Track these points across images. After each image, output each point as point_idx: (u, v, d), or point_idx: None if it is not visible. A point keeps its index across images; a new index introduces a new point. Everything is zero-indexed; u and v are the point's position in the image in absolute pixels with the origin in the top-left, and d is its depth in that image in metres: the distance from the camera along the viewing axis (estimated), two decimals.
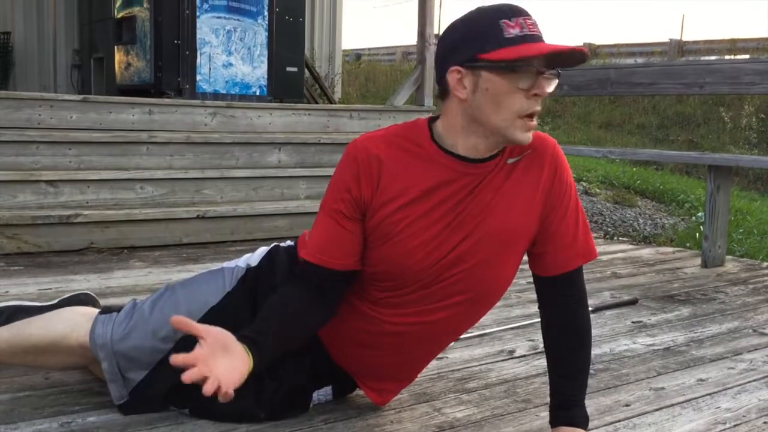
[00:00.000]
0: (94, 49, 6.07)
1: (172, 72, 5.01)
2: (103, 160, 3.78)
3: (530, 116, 1.35)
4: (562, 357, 1.51)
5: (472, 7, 1.38)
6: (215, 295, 1.57)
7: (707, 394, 1.86)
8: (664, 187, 6.47)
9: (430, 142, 1.42)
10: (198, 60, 5.02)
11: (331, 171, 1.47)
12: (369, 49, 16.66)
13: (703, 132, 9.41)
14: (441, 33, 1.40)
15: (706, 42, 12.64)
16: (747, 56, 10.91)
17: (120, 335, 1.53)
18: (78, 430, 1.52)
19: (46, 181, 3.47)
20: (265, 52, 5.33)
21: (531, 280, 1.53)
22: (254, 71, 5.29)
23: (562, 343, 1.51)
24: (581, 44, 14.06)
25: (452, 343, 2.11)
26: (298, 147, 4.39)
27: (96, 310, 1.64)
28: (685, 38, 13.47)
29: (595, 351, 1.60)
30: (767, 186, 8.17)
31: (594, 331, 1.54)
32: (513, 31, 1.30)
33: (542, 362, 2.03)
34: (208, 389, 1.18)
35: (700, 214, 5.44)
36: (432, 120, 1.45)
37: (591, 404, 1.65)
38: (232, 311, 1.54)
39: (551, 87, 1.36)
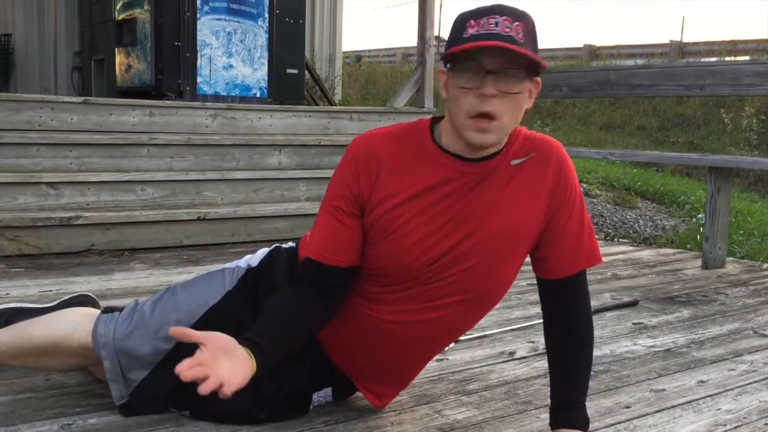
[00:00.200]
0: (95, 51, 6.08)
1: (173, 74, 5.02)
2: (104, 162, 3.78)
3: (480, 117, 1.30)
4: (564, 359, 1.51)
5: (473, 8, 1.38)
6: (215, 295, 1.57)
7: (708, 396, 1.86)
8: (664, 188, 6.47)
9: (430, 142, 1.43)
10: (198, 62, 5.02)
11: (331, 173, 1.47)
12: (369, 50, 16.68)
13: (704, 133, 9.42)
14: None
15: (706, 43, 12.65)
16: (747, 58, 10.92)
17: (122, 334, 1.53)
18: (78, 431, 1.52)
19: (47, 183, 3.47)
20: (266, 54, 5.33)
21: (532, 281, 1.53)
22: (255, 73, 5.30)
23: (564, 345, 1.51)
24: (581, 45, 14.08)
25: (452, 345, 2.11)
26: (298, 149, 4.39)
27: (96, 311, 1.64)
28: (685, 39, 13.49)
29: (595, 352, 1.60)
30: None
31: (594, 333, 1.54)
32: (471, 31, 1.29)
33: (543, 364, 2.03)
34: (205, 389, 1.19)
35: (700, 215, 5.44)
36: (435, 120, 1.46)
37: (591, 406, 1.65)
38: (232, 310, 1.55)
39: (472, 83, 1.29)
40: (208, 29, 5.05)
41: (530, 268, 1.53)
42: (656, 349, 2.24)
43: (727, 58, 10.85)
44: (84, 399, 1.67)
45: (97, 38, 6.02)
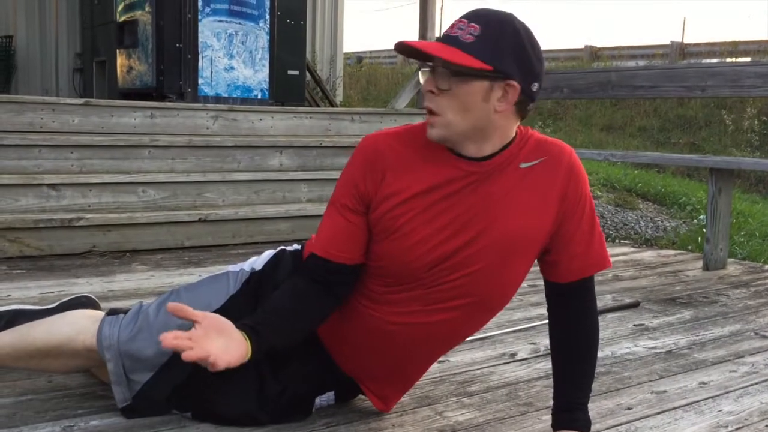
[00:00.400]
0: (96, 53, 6.09)
1: (174, 75, 5.02)
2: (105, 164, 3.79)
3: (427, 111, 1.38)
4: (569, 361, 1.51)
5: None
6: (218, 298, 1.57)
7: (709, 397, 1.86)
8: (665, 189, 6.46)
9: (436, 143, 1.43)
10: (200, 63, 5.02)
11: (332, 174, 1.48)
12: (370, 52, 16.68)
13: (705, 135, 9.41)
14: None
15: (707, 44, 12.64)
16: (748, 59, 10.92)
17: (126, 336, 1.53)
18: None
19: (48, 185, 3.47)
20: (267, 56, 5.33)
21: (533, 282, 1.54)
22: (256, 74, 5.30)
23: (570, 347, 1.51)
24: (582, 47, 14.08)
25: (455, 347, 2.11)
26: (299, 150, 4.39)
27: (100, 313, 1.64)
28: (686, 40, 13.49)
29: None
30: None
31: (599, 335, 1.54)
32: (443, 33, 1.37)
33: (544, 365, 2.03)
34: (187, 356, 1.20)
35: (701, 216, 5.44)
36: None
37: (593, 407, 1.65)
38: (236, 314, 1.54)
39: (424, 82, 1.37)
40: (210, 31, 5.05)
41: (532, 269, 1.53)
42: (657, 351, 2.24)
43: (728, 60, 10.85)
44: (86, 401, 1.67)
45: (99, 40, 6.02)
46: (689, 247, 4.49)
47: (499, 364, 2.06)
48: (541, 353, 2.15)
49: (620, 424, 1.67)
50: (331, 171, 4.32)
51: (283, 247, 1.66)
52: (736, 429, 1.67)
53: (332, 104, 7.09)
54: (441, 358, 2.02)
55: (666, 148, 9.17)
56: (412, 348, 1.53)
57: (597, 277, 1.53)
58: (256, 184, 4.05)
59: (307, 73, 6.53)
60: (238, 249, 3.61)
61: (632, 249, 4.19)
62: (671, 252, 4.13)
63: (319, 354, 1.59)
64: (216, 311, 1.55)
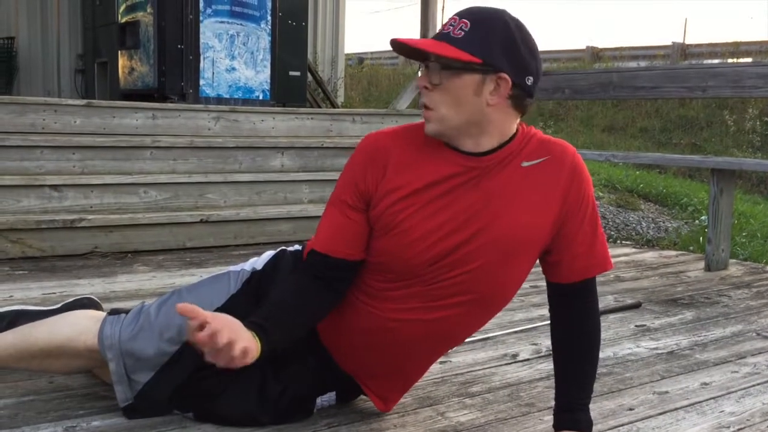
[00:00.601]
0: (98, 54, 6.09)
1: (176, 76, 5.03)
2: (107, 165, 3.79)
3: (423, 107, 1.40)
4: (571, 361, 1.51)
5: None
6: (220, 298, 1.57)
7: (711, 398, 1.86)
8: (667, 190, 6.46)
9: (438, 140, 1.43)
10: (201, 64, 5.03)
11: (333, 175, 1.50)
12: (371, 52, 16.67)
13: (707, 135, 9.41)
14: None
15: (709, 45, 12.64)
16: (750, 59, 10.91)
17: (128, 336, 1.54)
18: None
19: (50, 186, 3.47)
20: (268, 57, 5.34)
21: (534, 283, 1.54)
22: (257, 75, 5.30)
23: (571, 347, 1.51)
24: (584, 47, 14.07)
25: (455, 347, 2.11)
26: (301, 151, 4.40)
27: (101, 313, 1.64)
28: (687, 41, 13.49)
29: None
30: None
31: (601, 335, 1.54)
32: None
33: (546, 366, 2.03)
34: (221, 338, 1.23)
35: (703, 217, 5.43)
36: None
37: (594, 408, 1.65)
38: (237, 313, 1.55)
39: (419, 79, 1.40)
40: (211, 32, 5.06)
41: (533, 269, 1.53)
42: (659, 352, 2.24)
43: (730, 60, 10.85)
44: (88, 401, 1.67)
45: (100, 41, 6.03)
46: (691, 248, 4.49)
47: (500, 365, 2.06)
48: (542, 354, 2.15)
49: (622, 425, 1.67)
50: (333, 172, 4.32)
51: (283, 248, 1.67)
52: (738, 430, 1.67)
53: (333, 105, 7.10)
54: (442, 359, 2.02)
55: (667, 148, 9.17)
56: (411, 346, 1.53)
57: (598, 278, 1.53)
58: (257, 185, 4.05)
59: (309, 74, 6.54)
60: (239, 250, 3.61)
61: (634, 250, 4.18)
62: (673, 253, 4.13)
63: (319, 353, 1.60)
64: (217, 310, 1.55)
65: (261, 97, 5.31)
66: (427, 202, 1.41)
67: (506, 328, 2.40)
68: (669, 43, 13.08)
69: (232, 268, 1.65)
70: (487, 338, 2.29)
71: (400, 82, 10.95)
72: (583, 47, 14.34)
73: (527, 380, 1.94)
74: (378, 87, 11.97)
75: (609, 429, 1.65)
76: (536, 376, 1.97)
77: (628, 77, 4.15)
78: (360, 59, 15.67)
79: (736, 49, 11.84)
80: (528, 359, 2.12)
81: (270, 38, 5.33)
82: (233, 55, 5.17)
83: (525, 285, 1.59)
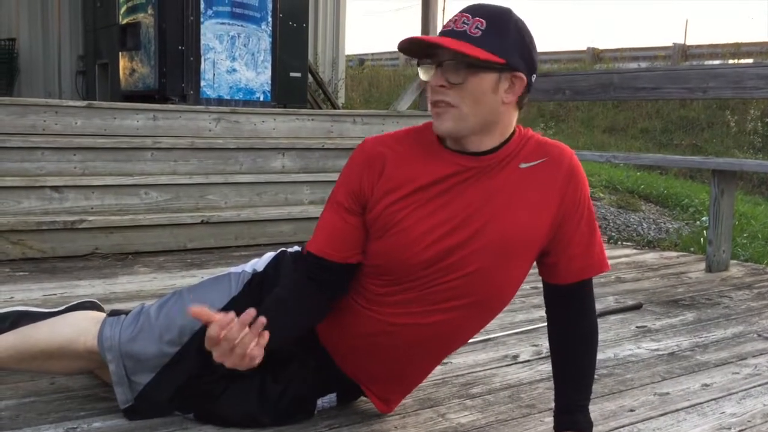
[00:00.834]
0: (99, 56, 6.09)
1: (177, 78, 5.03)
2: (108, 166, 3.79)
3: (435, 104, 1.38)
4: (569, 362, 1.51)
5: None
6: (221, 299, 1.57)
7: (712, 400, 1.86)
8: (668, 191, 6.46)
9: (434, 140, 1.44)
10: (202, 66, 5.03)
11: (334, 176, 1.49)
12: (372, 54, 16.68)
13: (707, 136, 9.40)
14: None
15: (709, 46, 12.64)
16: (751, 60, 10.91)
17: (128, 337, 1.54)
18: None
19: (51, 187, 3.48)
20: (269, 58, 5.34)
21: (535, 284, 1.54)
22: (258, 77, 5.31)
23: (569, 348, 1.51)
24: (584, 48, 14.08)
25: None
26: (301, 152, 4.40)
27: (101, 314, 1.64)
28: (688, 42, 13.48)
29: (599, 356, 1.60)
30: None
31: (598, 336, 1.54)
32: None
33: (546, 367, 2.03)
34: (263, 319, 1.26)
35: (704, 218, 5.43)
36: None
37: (595, 409, 1.65)
38: (238, 314, 1.55)
39: (426, 76, 1.38)
40: (212, 33, 5.06)
41: (534, 271, 1.53)
42: (660, 353, 2.24)
43: (731, 61, 10.85)
44: (88, 402, 1.68)
45: (101, 42, 6.03)
46: (692, 249, 4.48)
47: (501, 366, 2.06)
48: (543, 355, 2.15)
49: (623, 426, 1.67)
50: (333, 173, 4.32)
51: (284, 249, 1.67)
52: (739, 431, 1.67)
53: (334, 106, 7.10)
54: (443, 360, 2.02)
55: (668, 149, 9.17)
56: (410, 349, 1.53)
57: (599, 279, 1.54)
58: (258, 186, 4.05)
59: (309, 76, 6.54)
60: (240, 251, 3.61)
61: (635, 251, 4.18)
62: (674, 254, 4.13)
63: (320, 355, 1.60)
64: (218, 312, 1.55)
65: (262, 99, 5.31)
66: (426, 201, 1.42)
67: (507, 329, 2.40)
68: (670, 44, 13.08)
69: (232, 269, 1.65)
70: (488, 339, 2.29)
71: (401, 84, 10.96)
72: (584, 48, 14.34)
73: (528, 381, 1.94)
74: (379, 88, 11.98)
75: (610, 430, 1.65)
76: (537, 378, 1.97)
77: (628, 78, 4.15)
78: (361, 60, 15.67)
79: (737, 50, 11.84)
80: (529, 360, 2.12)
81: (271, 39, 5.33)
82: (234, 57, 5.17)
83: (526, 286, 1.59)
